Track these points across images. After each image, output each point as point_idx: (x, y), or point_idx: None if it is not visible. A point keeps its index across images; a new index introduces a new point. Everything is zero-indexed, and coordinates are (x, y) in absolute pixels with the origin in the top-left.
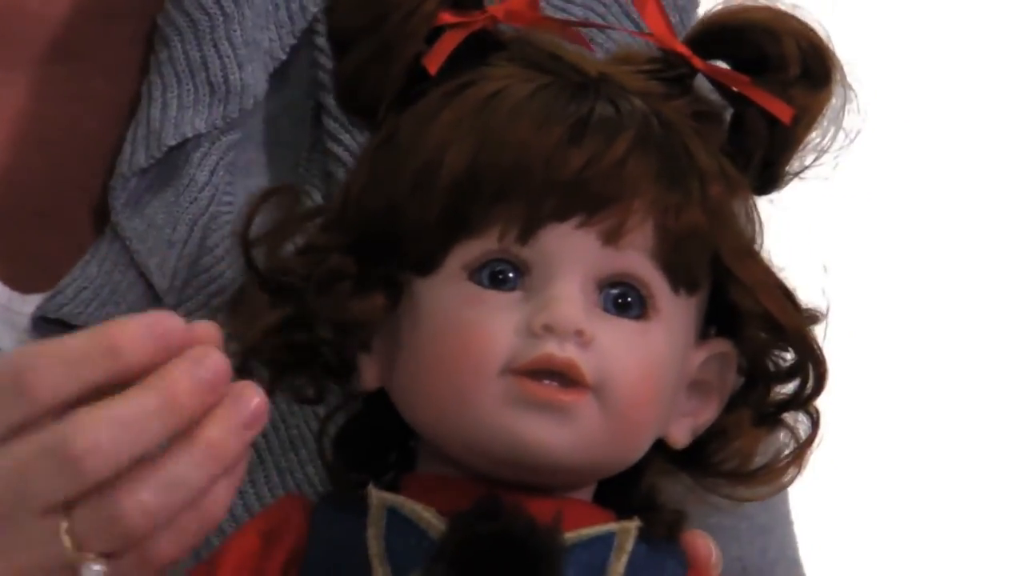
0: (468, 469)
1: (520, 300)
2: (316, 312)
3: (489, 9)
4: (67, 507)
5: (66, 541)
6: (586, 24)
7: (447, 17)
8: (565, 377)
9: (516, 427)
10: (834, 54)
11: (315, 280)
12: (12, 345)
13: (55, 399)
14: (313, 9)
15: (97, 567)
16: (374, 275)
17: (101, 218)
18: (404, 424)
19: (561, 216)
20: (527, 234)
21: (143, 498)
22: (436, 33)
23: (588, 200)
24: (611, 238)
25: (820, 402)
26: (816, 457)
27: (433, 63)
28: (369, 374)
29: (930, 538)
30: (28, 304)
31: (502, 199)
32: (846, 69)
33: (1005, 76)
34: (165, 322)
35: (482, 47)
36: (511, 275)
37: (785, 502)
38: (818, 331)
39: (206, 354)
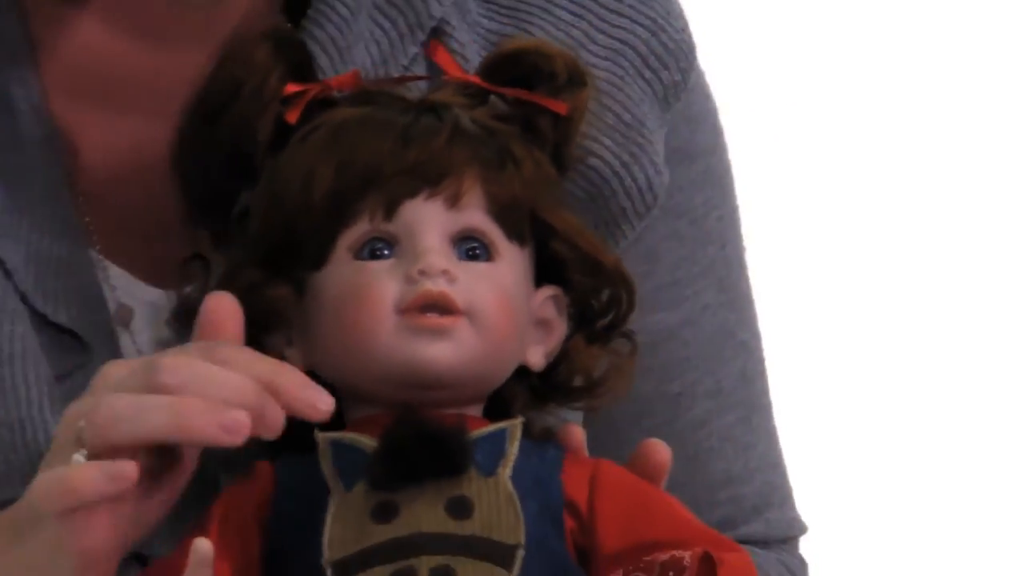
0: (383, 404)
1: (394, 264)
2: (245, 313)
3: (324, 81)
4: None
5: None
6: (399, 80)
7: (292, 87)
8: (442, 307)
9: (413, 352)
10: (583, 64)
11: (237, 290)
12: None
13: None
14: None
15: (80, 455)
16: (279, 277)
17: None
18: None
19: (412, 193)
20: (390, 212)
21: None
22: (285, 100)
23: (428, 178)
24: (453, 202)
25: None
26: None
27: (292, 116)
28: (294, 359)
29: (928, 538)
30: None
31: (364, 193)
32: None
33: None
34: None
35: (324, 103)
36: (385, 250)
37: (768, 420)
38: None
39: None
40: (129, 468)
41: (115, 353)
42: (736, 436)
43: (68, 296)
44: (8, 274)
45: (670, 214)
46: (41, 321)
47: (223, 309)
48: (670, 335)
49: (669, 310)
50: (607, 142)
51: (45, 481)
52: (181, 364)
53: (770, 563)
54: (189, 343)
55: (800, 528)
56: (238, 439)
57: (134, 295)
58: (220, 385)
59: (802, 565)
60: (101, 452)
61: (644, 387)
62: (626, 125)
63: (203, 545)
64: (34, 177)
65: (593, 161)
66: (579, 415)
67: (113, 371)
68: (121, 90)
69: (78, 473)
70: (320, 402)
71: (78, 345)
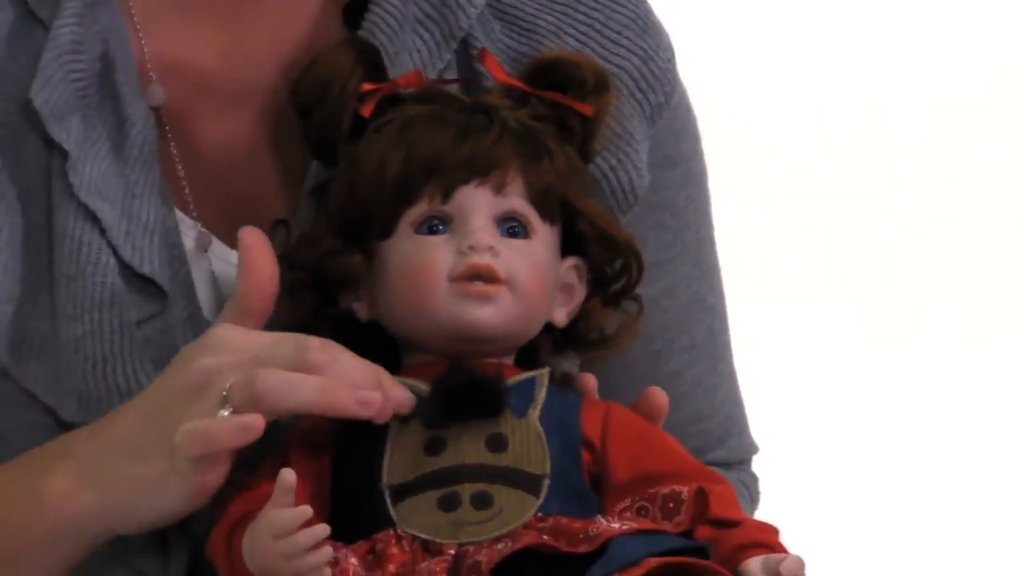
0: (435, 353)
1: (448, 239)
2: (324, 275)
3: (393, 80)
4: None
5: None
6: (451, 81)
7: (367, 86)
8: (487, 277)
9: (462, 313)
10: (607, 74)
11: (319, 254)
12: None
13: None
14: None
15: (226, 413)
16: (353, 246)
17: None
18: (385, 343)
19: (465, 180)
20: (446, 196)
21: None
22: (362, 96)
23: (479, 169)
24: (499, 190)
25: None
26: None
27: (367, 111)
28: (362, 313)
29: (926, 538)
30: None
31: (426, 179)
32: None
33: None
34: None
35: (393, 100)
36: (440, 227)
37: (729, 365)
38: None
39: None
40: (258, 421)
41: (192, 302)
42: (705, 382)
43: (152, 251)
44: (103, 231)
45: (657, 208)
46: (128, 272)
47: (256, 240)
48: (652, 303)
49: (652, 284)
50: (600, 150)
51: (189, 429)
52: (328, 352)
53: (731, 480)
54: (310, 337)
55: (753, 450)
56: (370, 413)
57: (218, 255)
58: (356, 369)
59: (754, 479)
60: (248, 410)
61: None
62: (617, 136)
63: (288, 475)
64: (131, 149)
65: (588, 165)
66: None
67: (234, 338)
68: (208, 82)
69: (217, 425)
70: (407, 400)
71: (159, 294)
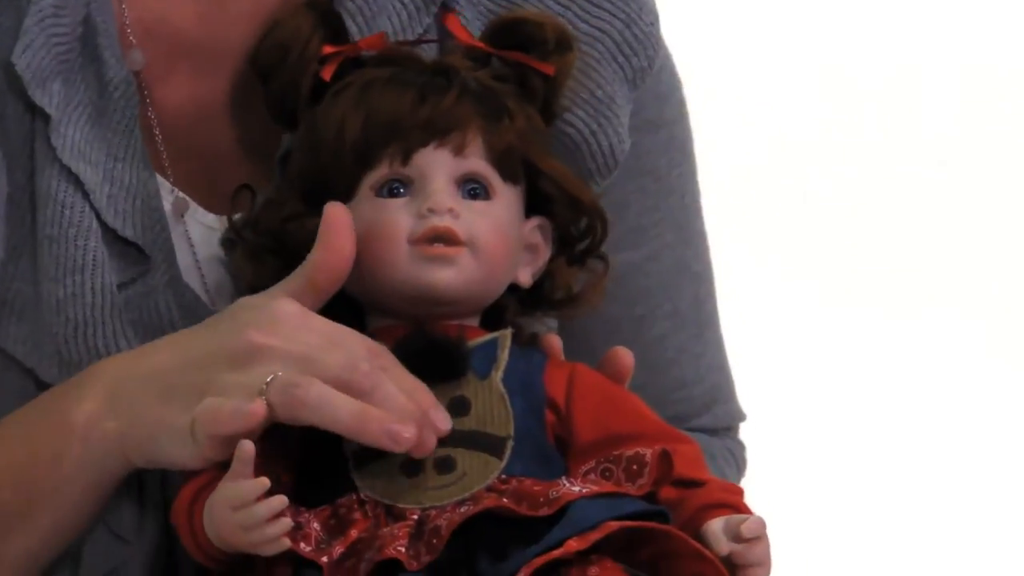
0: (398, 316)
1: (409, 202)
2: (287, 239)
3: (354, 43)
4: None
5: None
6: (415, 42)
7: (328, 49)
8: (447, 239)
9: (423, 276)
10: (570, 32)
11: (281, 218)
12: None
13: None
14: None
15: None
16: (315, 211)
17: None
18: (348, 307)
19: (424, 142)
20: (406, 158)
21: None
22: (322, 60)
23: (438, 131)
24: (459, 151)
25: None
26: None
27: (327, 74)
28: None
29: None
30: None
31: (386, 142)
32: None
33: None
34: None
35: (355, 63)
36: (400, 189)
37: (716, 332)
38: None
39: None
40: (259, 409)
41: (172, 266)
42: (689, 348)
43: (135, 214)
44: (86, 194)
45: (638, 173)
46: (111, 235)
47: (341, 217)
48: (635, 268)
49: (634, 249)
50: (581, 114)
51: (209, 408)
52: (373, 377)
53: (715, 447)
54: (361, 336)
55: (740, 417)
56: (400, 448)
57: (195, 218)
58: (397, 399)
59: (740, 446)
60: (276, 413)
61: (612, 310)
62: (598, 100)
63: (246, 446)
64: (112, 113)
65: (568, 129)
66: (555, 329)
67: (292, 318)
68: (187, 46)
69: (225, 413)
70: (441, 422)
71: (140, 257)
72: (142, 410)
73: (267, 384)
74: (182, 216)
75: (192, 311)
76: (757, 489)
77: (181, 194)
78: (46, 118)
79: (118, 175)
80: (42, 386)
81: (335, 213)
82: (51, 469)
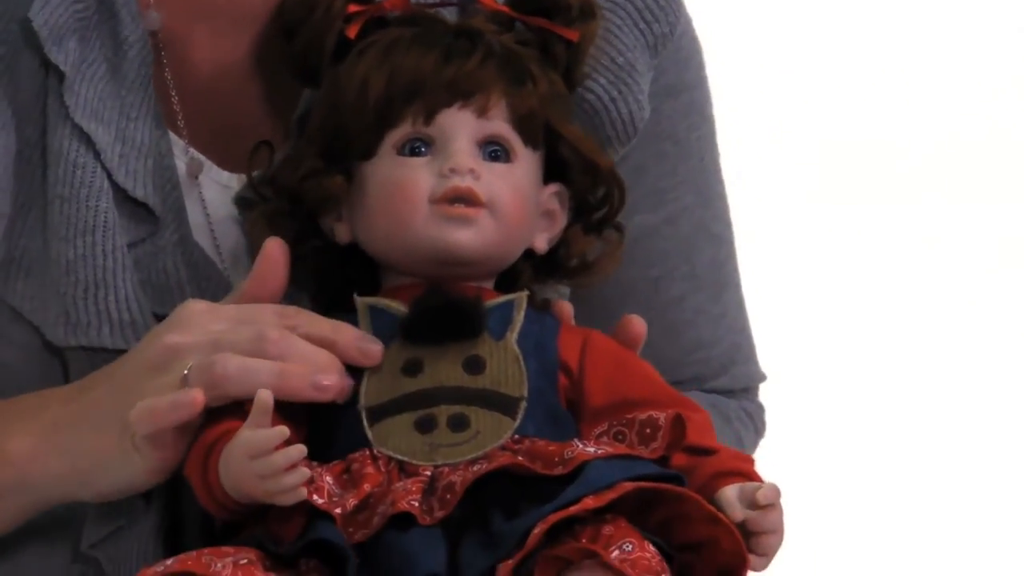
0: (415, 275)
1: (430, 161)
2: (304, 196)
3: (380, 3)
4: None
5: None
6: (439, 4)
7: (353, 8)
8: (468, 199)
9: (442, 235)
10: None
11: (300, 175)
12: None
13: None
14: None
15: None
16: (334, 167)
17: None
18: (365, 265)
19: (448, 103)
20: (429, 118)
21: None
22: (347, 18)
23: (462, 92)
24: (482, 112)
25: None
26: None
27: (352, 32)
28: (342, 234)
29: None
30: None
31: (409, 101)
32: None
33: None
34: None
35: (378, 23)
36: (422, 148)
37: (736, 294)
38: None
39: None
40: (197, 396)
41: (182, 225)
42: (708, 309)
43: (146, 175)
44: (97, 154)
45: (657, 137)
46: (122, 195)
47: (275, 252)
48: (652, 231)
49: (652, 212)
50: (602, 80)
51: (141, 407)
52: (282, 341)
53: (731, 408)
54: (268, 305)
55: (760, 378)
56: (327, 397)
57: (210, 177)
58: (313, 355)
59: (759, 408)
60: (207, 394)
61: (629, 273)
62: (619, 67)
63: (265, 395)
64: (128, 71)
65: (588, 95)
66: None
67: (200, 314)
68: (206, 8)
69: (159, 403)
70: (371, 352)
71: (151, 217)
72: (79, 445)
73: (186, 375)
74: (196, 177)
75: (200, 270)
76: (776, 452)
77: (196, 154)
78: (60, 76)
79: (130, 134)
80: (48, 346)
81: (271, 248)
82: None
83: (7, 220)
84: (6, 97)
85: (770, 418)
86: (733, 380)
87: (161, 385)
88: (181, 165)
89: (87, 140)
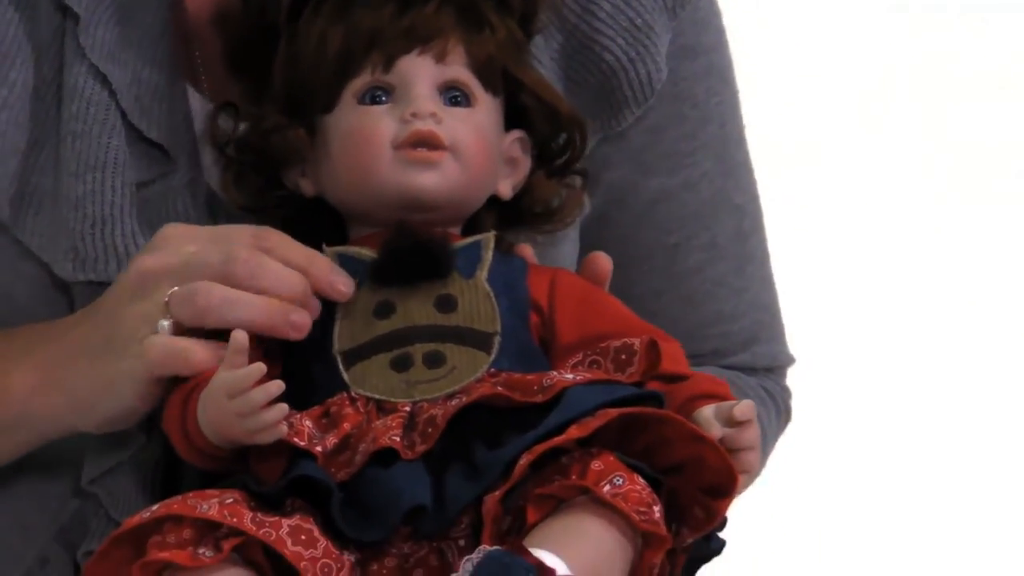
0: (380, 224)
1: (391, 108)
2: (267, 151)
3: None
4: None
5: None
6: None
7: None
8: (430, 143)
9: (406, 180)
10: None
11: (262, 130)
12: None
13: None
14: None
15: (167, 322)
16: (296, 122)
17: None
18: (331, 219)
19: (406, 49)
20: (388, 65)
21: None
22: None
23: (420, 38)
24: (440, 58)
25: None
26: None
27: None
28: (307, 188)
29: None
30: None
31: (368, 50)
32: None
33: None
34: None
35: None
36: (383, 96)
37: (762, 269)
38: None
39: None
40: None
41: (194, 167)
42: (729, 282)
43: (161, 117)
44: (113, 93)
45: (675, 99)
46: (135, 136)
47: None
48: (669, 196)
49: (668, 175)
50: (620, 41)
51: (162, 348)
52: (252, 261)
53: (750, 385)
54: (244, 226)
55: (786, 359)
56: (301, 335)
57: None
58: (282, 281)
59: (783, 391)
60: (186, 325)
61: (645, 237)
62: (637, 28)
63: (240, 335)
64: (144, 16)
65: (607, 56)
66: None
67: (176, 236)
68: None
69: (195, 348)
70: (342, 284)
71: (164, 158)
72: (77, 377)
73: (167, 302)
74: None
75: (208, 208)
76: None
77: (211, 101)
78: (76, 18)
79: (146, 77)
80: (58, 282)
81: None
82: None
83: (21, 156)
84: (26, 34)
85: (810, 405)
86: (754, 358)
87: (144, 314)
88: (196, 105)
89: (103, 79)
